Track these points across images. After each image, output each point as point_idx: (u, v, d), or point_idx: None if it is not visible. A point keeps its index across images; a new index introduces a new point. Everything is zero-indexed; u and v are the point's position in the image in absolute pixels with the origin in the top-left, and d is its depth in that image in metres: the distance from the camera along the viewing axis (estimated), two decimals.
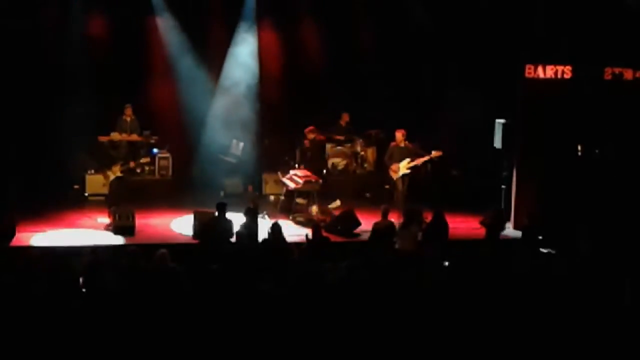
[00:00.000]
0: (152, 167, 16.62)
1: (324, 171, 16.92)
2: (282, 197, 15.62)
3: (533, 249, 12.01)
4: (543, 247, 12.13)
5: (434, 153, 14.82)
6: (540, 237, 12.45)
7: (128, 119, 16.45)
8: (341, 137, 17.74)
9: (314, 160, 16.28)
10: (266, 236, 11.84)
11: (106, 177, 14.53)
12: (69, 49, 16.23)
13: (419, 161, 14.86)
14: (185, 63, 17.15)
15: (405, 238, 11.91)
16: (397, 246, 11.96)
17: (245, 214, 12.44)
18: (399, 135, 14.94)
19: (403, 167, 14.81)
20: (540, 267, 10.79)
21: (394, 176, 15.00)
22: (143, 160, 15.34)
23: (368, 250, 12.25)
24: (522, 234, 13.13)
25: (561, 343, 8.78)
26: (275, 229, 11.76)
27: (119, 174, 14.31)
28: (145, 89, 17.04)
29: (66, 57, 16.21)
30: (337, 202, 15.18)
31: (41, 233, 13.48)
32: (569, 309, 9.34)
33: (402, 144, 14.97)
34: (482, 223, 12.87)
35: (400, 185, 14.93)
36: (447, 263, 11.18)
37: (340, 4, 17.40)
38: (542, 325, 8.96)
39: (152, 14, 17.10)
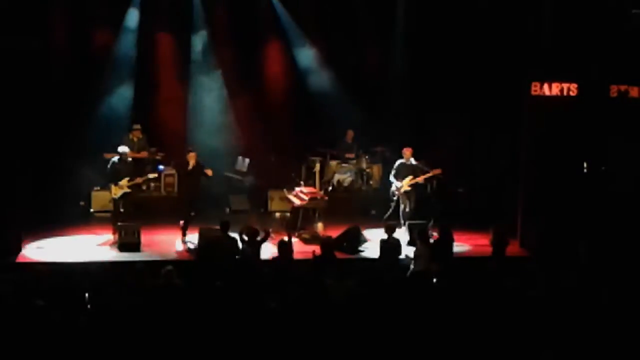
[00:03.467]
0: (157, 184, 16.63)
1: (330, 188, 16.89)
2: (288, 214, 15.59)
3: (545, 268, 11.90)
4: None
5: (433, 171, 14.85)
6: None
7: (135, 139, 16.15)
8: (349, 155, 17.74)
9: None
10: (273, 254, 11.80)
11: (113, 192, 14.43)
12: (73, 66, 16.33)
13: (421, 178, 14.90)
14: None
15: (419, 258, 11.83)
16: (412, 267, 11.87)
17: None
18: (407, 152, 14.98)
19: (405, 184, 14.84)
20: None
21: (397, 193, 15.05)
22: (151, 176, 15.24)
23: (375, 268, 12.22)
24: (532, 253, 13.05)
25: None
26: (282, 246, 11.74)
27: (126, 189, 14.23)
28: (152, 106, 17.12)
29: (71, 74, 16.28)
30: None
31: (47, 249, 13.48)
32: (571, 325, 9.28)
33: (409, 162, 15.01)
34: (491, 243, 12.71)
35: (403, 202, 14.90)
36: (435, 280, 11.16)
37: (345, 22, 17.48)
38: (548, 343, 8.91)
39: (160, 31, 17.20)
